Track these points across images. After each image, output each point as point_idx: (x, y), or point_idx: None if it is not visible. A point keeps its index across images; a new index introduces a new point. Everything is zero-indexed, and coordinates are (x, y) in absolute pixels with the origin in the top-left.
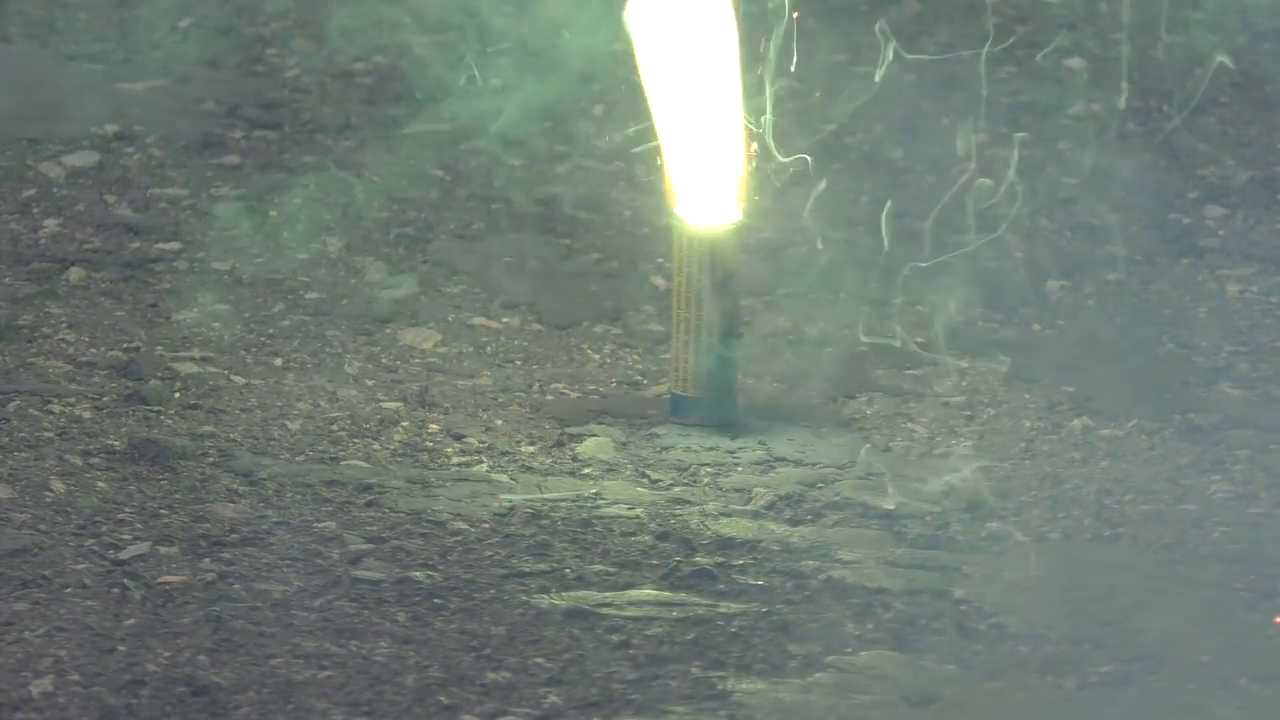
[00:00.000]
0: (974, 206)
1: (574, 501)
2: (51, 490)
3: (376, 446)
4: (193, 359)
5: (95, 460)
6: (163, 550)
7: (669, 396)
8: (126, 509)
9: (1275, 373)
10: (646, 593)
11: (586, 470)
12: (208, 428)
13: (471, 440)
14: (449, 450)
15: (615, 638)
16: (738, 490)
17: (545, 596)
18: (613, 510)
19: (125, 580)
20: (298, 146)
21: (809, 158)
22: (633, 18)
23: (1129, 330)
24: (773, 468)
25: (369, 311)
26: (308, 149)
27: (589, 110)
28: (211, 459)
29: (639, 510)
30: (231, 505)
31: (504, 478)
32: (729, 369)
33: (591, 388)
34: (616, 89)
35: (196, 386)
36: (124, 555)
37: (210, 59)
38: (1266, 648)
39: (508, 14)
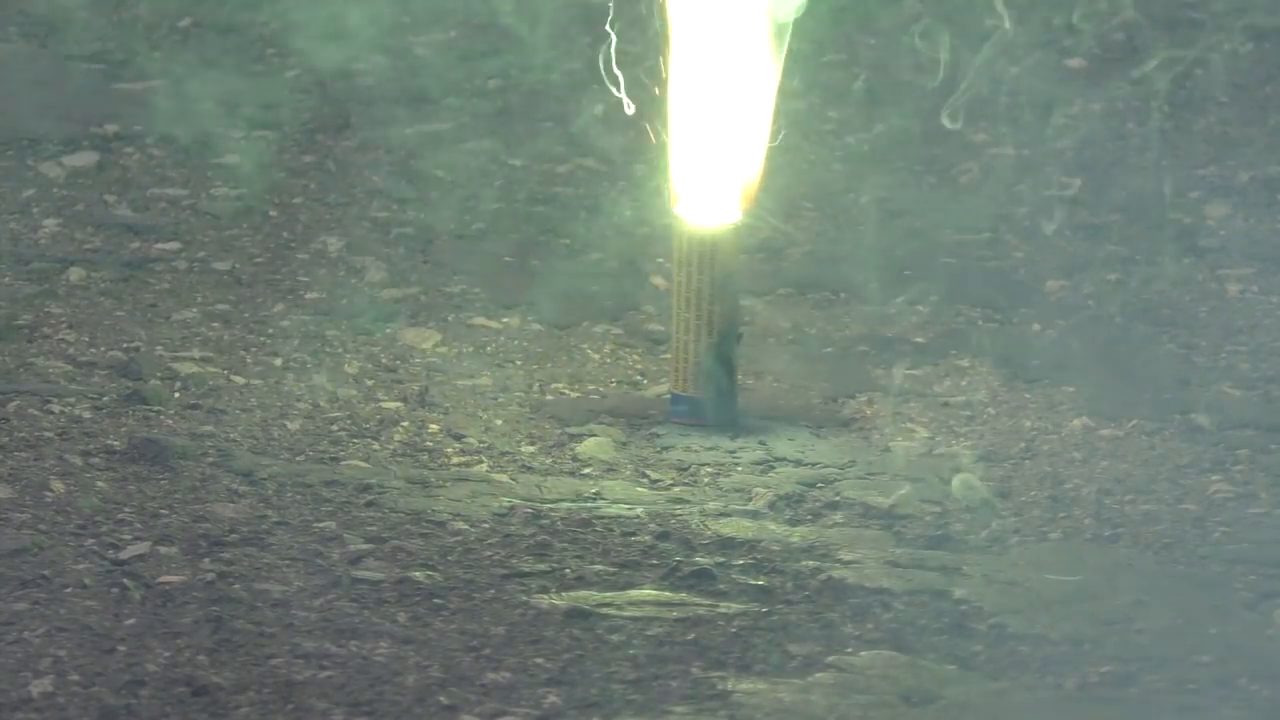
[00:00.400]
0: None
1: (574, 501)
2: (51, 490)
3: (376, 446)
4: (193, 359)
5: (95, 460)
6: (163, 550)
7: (669, 396)
8: (126, 509)
9: (1275, 373)
10: (646, 593)
11: (586, 470)
12: (208, 428)
13: (471, 440)
14: (449, 450)
15: (615, 638)
16: (738, 490)
17: (545, 596)
18: (613, 510)
19: (125, 580)
20: (298, 146)
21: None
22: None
23: (1129, 330)
24: (773, 468)
25: (369, 311)
26: (308, 149)
27: (589, 110)
28: (211, 459)
29: (639, 510)
30: (231, 505)
31: (504, 478)
32: (729, 369)
33: (591, 388)
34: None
35: (196, 386)
36: (124, 555)
37: (210, 59)
38: (1266, 648)
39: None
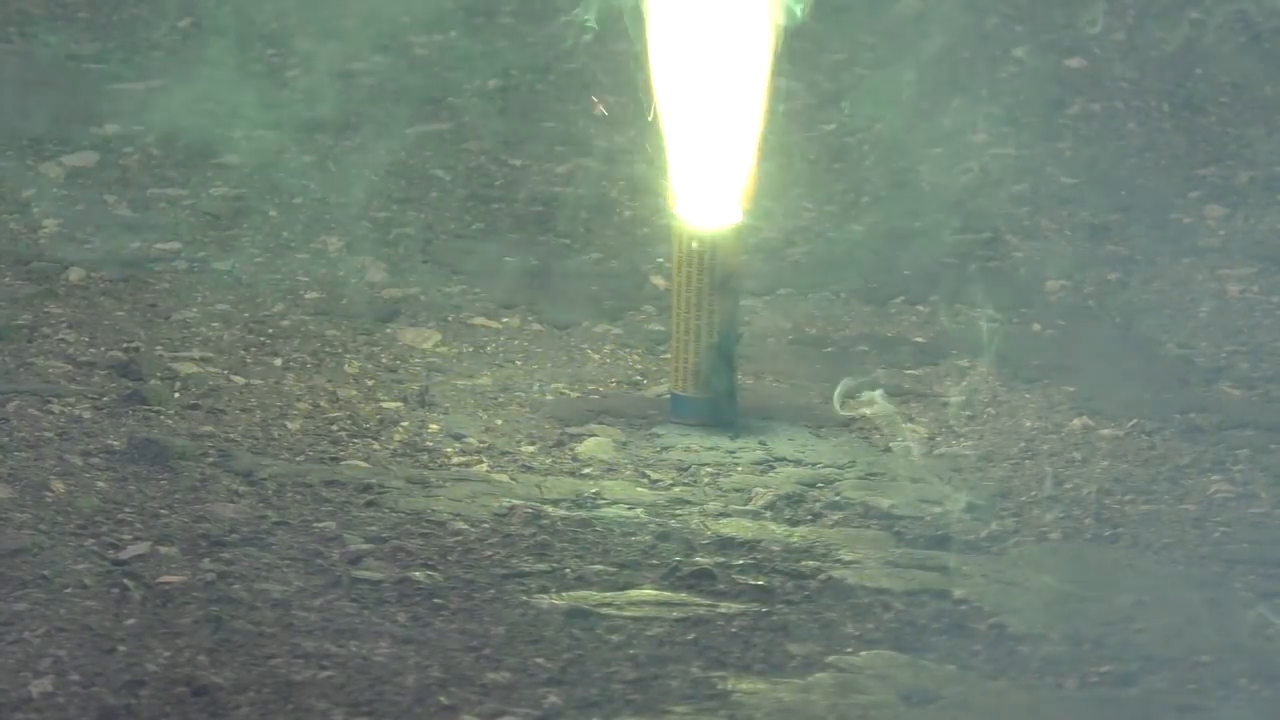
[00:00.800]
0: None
1: (574, 501)
2: (51, 490)
3: (376, 446)
4: (193, 359)
5: (95, 460)
6: (163, 550)
7: (669, 396)
8: (126, 509)
9: (1275, 373)
10: (646, 593)
11: (586, 470)
12: (208, 428)
13: (471, 440)
14: (449, 450)
15: (615, 638)
16: (738, 490)
17: (545, 596)
18: (613, 510)
19: (125, 580)
20: (298, 146)
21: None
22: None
23: (1129, 330)
24: (773, 468)
25: (369, 311)
26: (308, 149)
27: (589, 109)
28: (211, 459)
29: (639, 510)
30: (231, 505)
31: (504, 478)
32: (729, 369)
33: (591, 388)
34: (618, 89)
35: (196, 386)
36: (124, 555)
37: (210, 59)
38: (1266, 648)
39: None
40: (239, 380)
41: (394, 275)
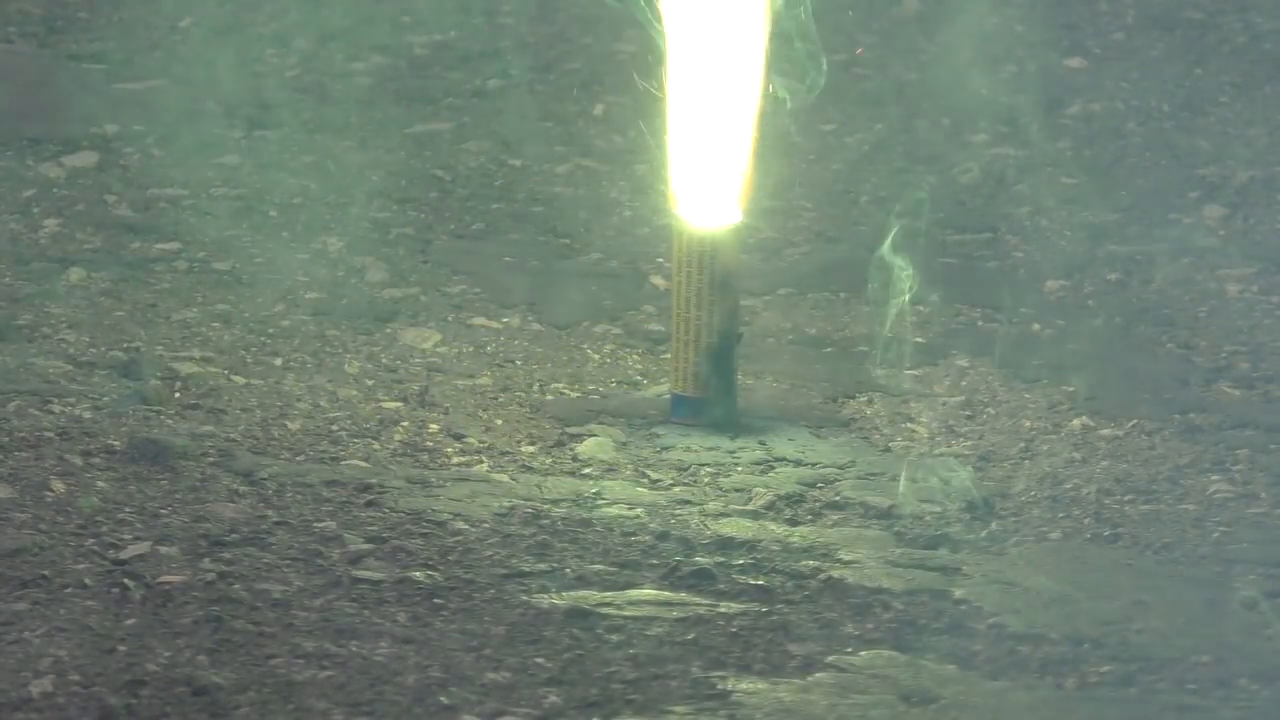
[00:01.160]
0: None
1: (574, 501)
2: (51, 490)
3: (376, 446)
4: (193, 359)
5: (95, 460)
6: (163, 550)
7: (669, 396)
8: (126, 509)
9: (1275, 373)
10: (646, 593)
11: (586, 470)
12: (208, 428)
13: (471, 440)
14: (449, 450)
15: (615, 638)
16: (738, 490)
17: (545, 596)
18: (613, 510)
19: (125, 580)
20: (297, 146)
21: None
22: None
23: (1129, 330)
24: (773, 468)
25: (369, 311)
26: (308, 149)
27: (589, 110)
28: (211, 459)
29: (639, 510)
30: (231, 505)
31: (504, 478)
32: (729, 369)
33: (591, 388)
34: (619, 89)
35: (196, 386)
36: (124, 555)
37: (210, 59)
38: (1266, 648)
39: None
40: (239, 380)
41: (394, 275)
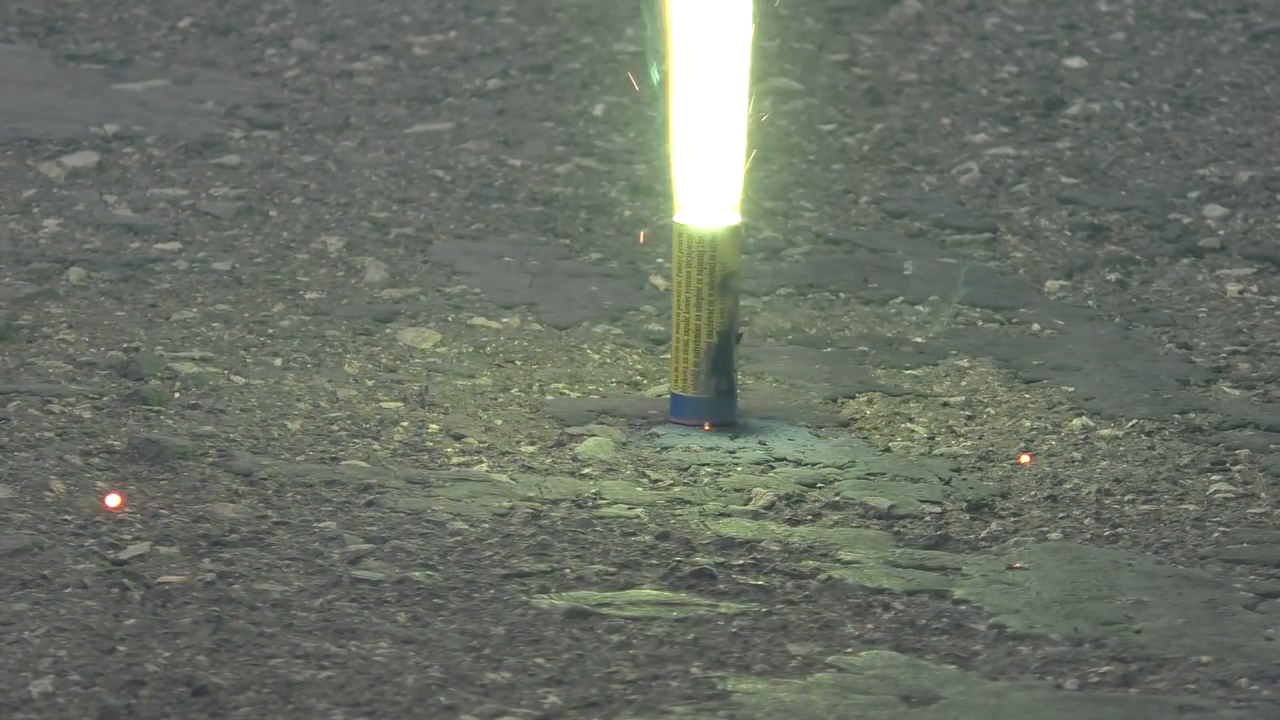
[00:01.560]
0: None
1: (574, 502)
2: (51, 490)
3: (376, 446)
4: (193, 359)
5: (95, 460)
6: (163, 550)
7: (669, 396)
8: (126, 509)
9: (1275, 373)
10: (646, 593)
11: (586, 470)
12: (208, 428)
13: (471, 440)
14: (449, 450)
15: (615, 638)
16: (738, 490)
17: (545, 596)
18: (613, 510)
19: (125, 580)
20: (297, 146)
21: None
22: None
23: (1129, 330)
24: (773, 468)
25: (369, 311)
26: (308, 149)
27: (589, 110)
28: (211, 459)
29: (639, 510)
30: (231, 505)
31: (504, 478)
32: (729, 369)
33: (591, 388)
34: (618, 89)
35: (196, 386)
36: (124, 555)
37: (210, 59)
38: (1266, 648)
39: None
40: (239, 380)
41: (394, 275)
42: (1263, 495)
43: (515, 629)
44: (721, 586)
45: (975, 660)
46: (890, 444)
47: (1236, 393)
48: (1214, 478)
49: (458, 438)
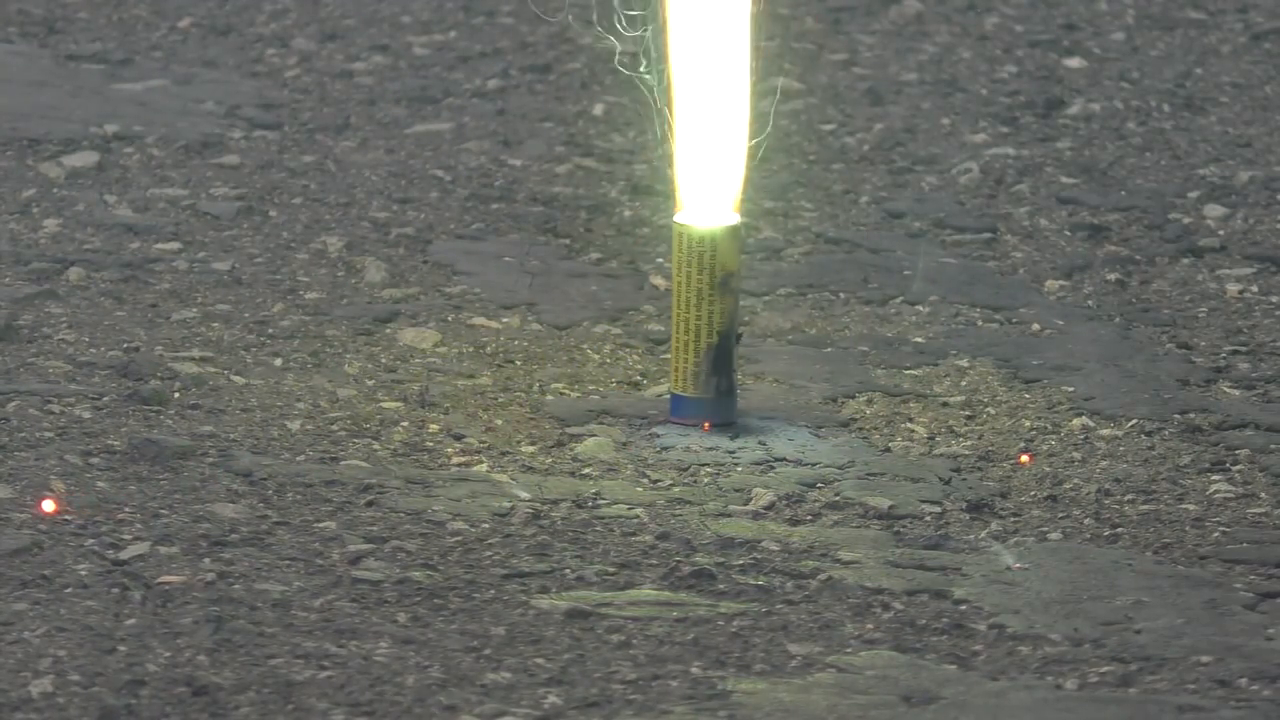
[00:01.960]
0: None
1: (574, 502)
2: (51, 490)
3: (376, 446)
4: (193, 359)
5: (95, 460)
6: (163, 550)
7: (669, 396)
8: (126, 509)
9: (1275, 373)
10: (646, 593)
11: (586, 470)
12: (208, 428)
13: (471, 440)
14: (449, 450)
15: (615, 638)
16: (738, 490)
17: (545, 596)
18: (613, 510)
19: (125, 580)
20: (297, 146)
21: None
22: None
23: (1129, 330)
24: (773, 468)
25: (369, 311)
26: (308, 149)
27: (589, 110)
28: (211, 459)
29: (639, 510)
30: (231, 505)
31: (504, 478)
32: (729, 369)
33: (591, 388)
34: (618, 89)
35: (196, 386)
36: (124, 555)
37: (210, 59)
38: (1266, 648)
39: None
40: (239, 380)
41: (394, 275)
42: (1263, 495)
43: (515, 629)
44: (721, 586)
45: (975, 660)
46: (890, 444)
47: (1236, 393)
48: (1214, 478)
49: (458, 438)
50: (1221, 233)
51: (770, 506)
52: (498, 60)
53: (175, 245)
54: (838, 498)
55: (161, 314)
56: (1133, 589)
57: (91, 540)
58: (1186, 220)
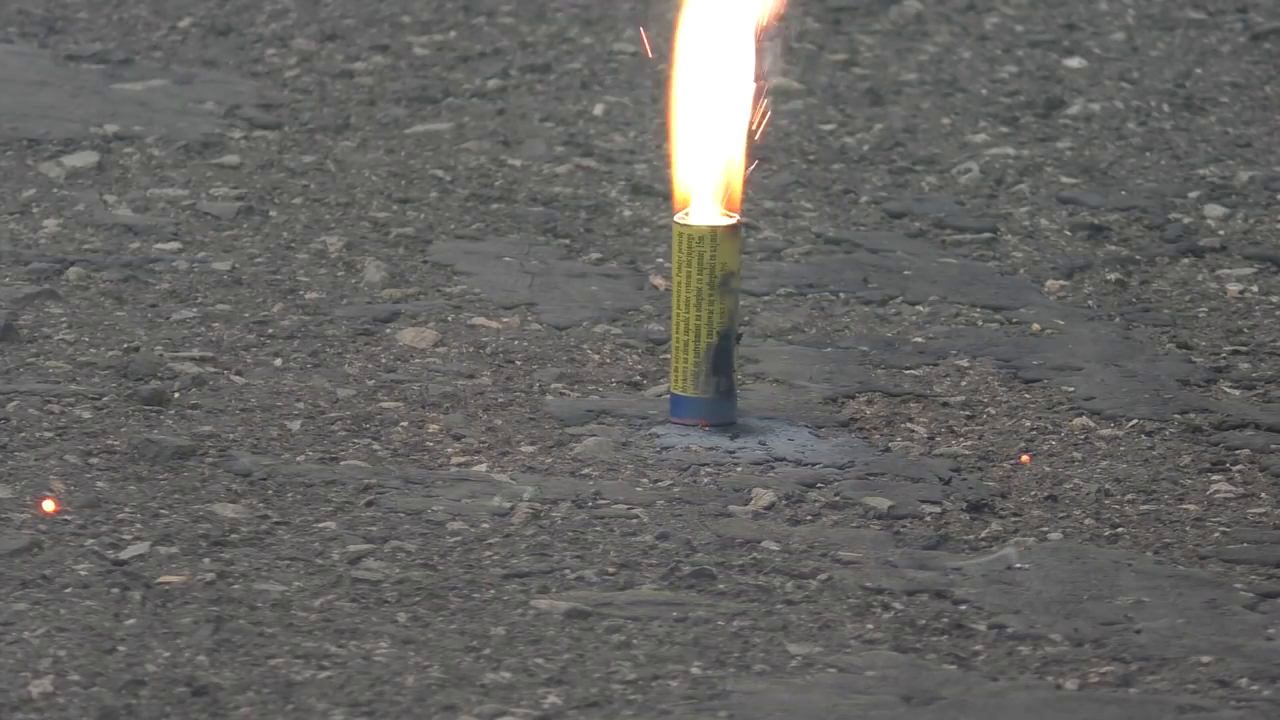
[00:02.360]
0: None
1: (574, 502)
2: (51, 490)
3: (376, 446)
4: (193, 359)
5: (95, 460)
6: (163, 550)
7: (669, 396)
8: (126, 509)
9: (1275, 373)
10: (646, 593)
11: (586, 470)
12: (208, 428)
13: (471, 440)
14: (449, 450)
15: (615, 638)
16: (737, 490)
17: (545, 596)
18: (613, 510)
19: (125, 580)
20: (298, 146)
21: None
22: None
23: (1129, 330)
24: (773, 468)
25: (369, 311)
26: (308, 149)
27: (589, 110)
28: (211, 459)
29: (639, 510)
30: (231, 505)
31: (504, 478)
32: (729, 369)
33: (591, 388)
34: (618, 89)
35: (196, 386)
36: (124, 555)
37: (210, 59)
38: (1266, 648)
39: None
40: (239, 380)
41: (394, 275)
42: (1263, 495)
43: (515, 629)
44: (721, 586)
45: (975, 660)
46: (890, 444)
47: (1236, 393)
48: (1214, 478)
49: (458, 438)
50: (1221, 233)
51: (770, 506)
52: (498, 60)
53: (175, 245)
54: (838, 498)
55: (161, 314)
56: (1133, 589)
57: (91, 540)
58: (1187, 220)
